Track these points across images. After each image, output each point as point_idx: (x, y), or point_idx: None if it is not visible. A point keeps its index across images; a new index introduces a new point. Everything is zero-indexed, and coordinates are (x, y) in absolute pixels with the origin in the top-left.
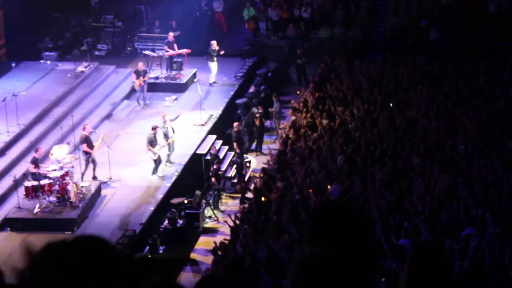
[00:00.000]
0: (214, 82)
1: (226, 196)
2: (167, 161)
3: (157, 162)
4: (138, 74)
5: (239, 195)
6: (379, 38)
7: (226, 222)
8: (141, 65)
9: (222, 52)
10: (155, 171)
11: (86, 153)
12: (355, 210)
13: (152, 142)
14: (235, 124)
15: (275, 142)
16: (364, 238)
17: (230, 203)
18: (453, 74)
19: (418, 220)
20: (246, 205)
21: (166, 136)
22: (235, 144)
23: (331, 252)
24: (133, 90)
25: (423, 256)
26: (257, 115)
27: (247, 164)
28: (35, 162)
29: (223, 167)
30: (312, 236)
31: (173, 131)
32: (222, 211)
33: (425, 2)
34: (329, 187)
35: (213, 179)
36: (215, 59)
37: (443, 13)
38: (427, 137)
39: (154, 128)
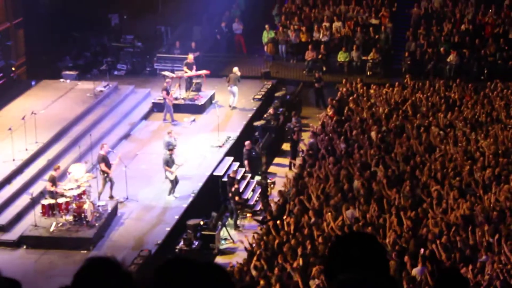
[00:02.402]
0: (234, 107)
1: (241, 217)
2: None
3: (174, 182)
4: (167, 90)
5: (255, 217)
6: (398, 62)
7: (242, 242)
8: (168, 82)
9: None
10: (171, 191)
11: (103, 172)
12: (373, 240)
13: (168, 163)
14: (247, 142)
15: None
16: (381, 267)
17: (246, 225)
18: (471, 99)
19: (435, 246)
20: (262, 227)
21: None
22: (246, 163)
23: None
24: (151, 111)
25: (448, 286)
26: (295, 128)
27: (272, 186)
28: (53, 180)
29: (240, 189)
30: (331, 265)
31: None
32: (241, 231)
33: (444, 27)
34: (344, 211)
35: (236, 198)
36: (238, 84)
37: (462, 38)
38: (444, 162)
39: (170, 149)
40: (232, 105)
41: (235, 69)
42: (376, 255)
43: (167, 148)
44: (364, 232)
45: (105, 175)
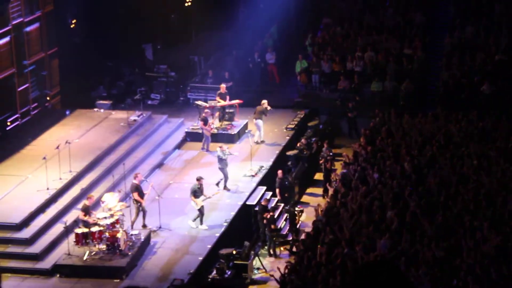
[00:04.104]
0: (263, 141)
1: (276, 246)
2: (225, 187)
3: (200, 213)
4: (205, 121)
5: (287, 246)
6: (432, 92)
7: (272, 276)
8: (207, 112)
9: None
10: (198, 220)
11: (136, 201)
12: (398, 271)
13: (195, 193)
14: (279, 171)
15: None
16: None
17: (281, 253)
18: (505, 129)
19: (468, 277)
20: (295, 257)
21: (224, 163)
22: (277, 191)
23: None
24: (184, 140)
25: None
26: (328, 157)
27: (299, 214)
28: (86, 210)
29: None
30: None
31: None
32: (280, 258)
33: (478, 57)
34: (377, 242)
35: (272, 226)
36: (263, 117)
37: (496, 68)
38: (478, 193)
39: (198, 179)
40: (258, 140)
41: (263, 101)
42: (400, 285)
43: (221, 162)
44: (389, 261)
45: (138, 204)
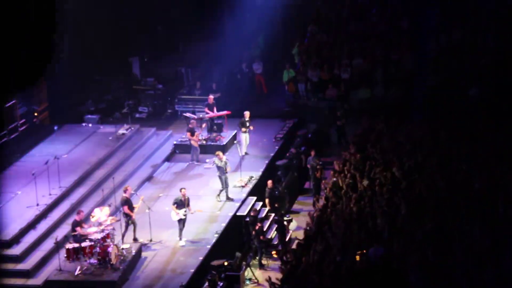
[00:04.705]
0: (246, 153)
1: (266, 257)
2: (218, 195)
3: (180, 225)
4: (192, 132)
5: (278, 256)
6: (420, 97)
7: (267, 280)
8: (193, 123)
9: (251, 127)
10: (181, 234)
11: (126, 215)
12: (394, 273)
13: (177, 204)
14: (269, 181)
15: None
16: None
17: (270, 265)
18: (493, 132)
19: (460, 279)
20: (286, 266)
21: (222, 171)
22: (267, 201)
23: None
24: (173, 152)
25: None
26: (318, 166)
27: (289, 223)
28: (76, 225)
29: (264, 228)
30: None
31: (226, 170)
32: (266, 269)
33: (465, 61)
34: (368, 248)
35: (260, 237)
36: (246, 130)
37: (483, 71)
38: (468, 196)
39: (180, 190)
40: (246, 151)
41: (245, 113)
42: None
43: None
44: (384, 264)
45: (128, 217)
